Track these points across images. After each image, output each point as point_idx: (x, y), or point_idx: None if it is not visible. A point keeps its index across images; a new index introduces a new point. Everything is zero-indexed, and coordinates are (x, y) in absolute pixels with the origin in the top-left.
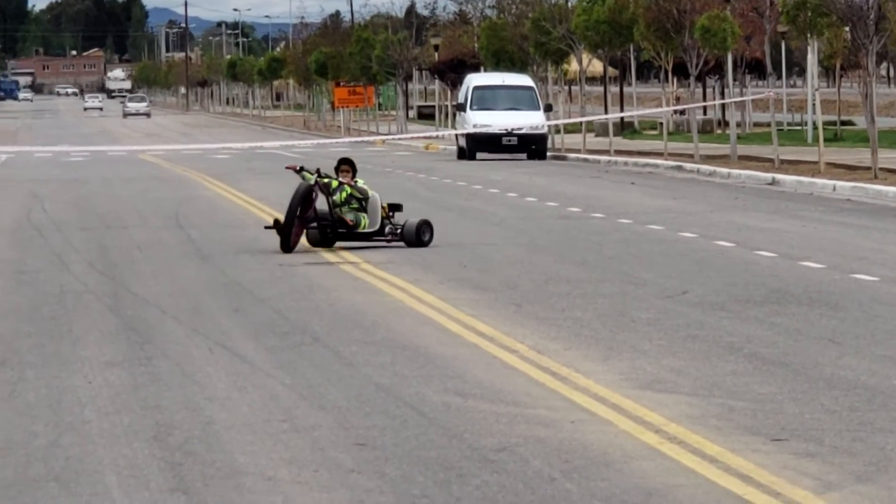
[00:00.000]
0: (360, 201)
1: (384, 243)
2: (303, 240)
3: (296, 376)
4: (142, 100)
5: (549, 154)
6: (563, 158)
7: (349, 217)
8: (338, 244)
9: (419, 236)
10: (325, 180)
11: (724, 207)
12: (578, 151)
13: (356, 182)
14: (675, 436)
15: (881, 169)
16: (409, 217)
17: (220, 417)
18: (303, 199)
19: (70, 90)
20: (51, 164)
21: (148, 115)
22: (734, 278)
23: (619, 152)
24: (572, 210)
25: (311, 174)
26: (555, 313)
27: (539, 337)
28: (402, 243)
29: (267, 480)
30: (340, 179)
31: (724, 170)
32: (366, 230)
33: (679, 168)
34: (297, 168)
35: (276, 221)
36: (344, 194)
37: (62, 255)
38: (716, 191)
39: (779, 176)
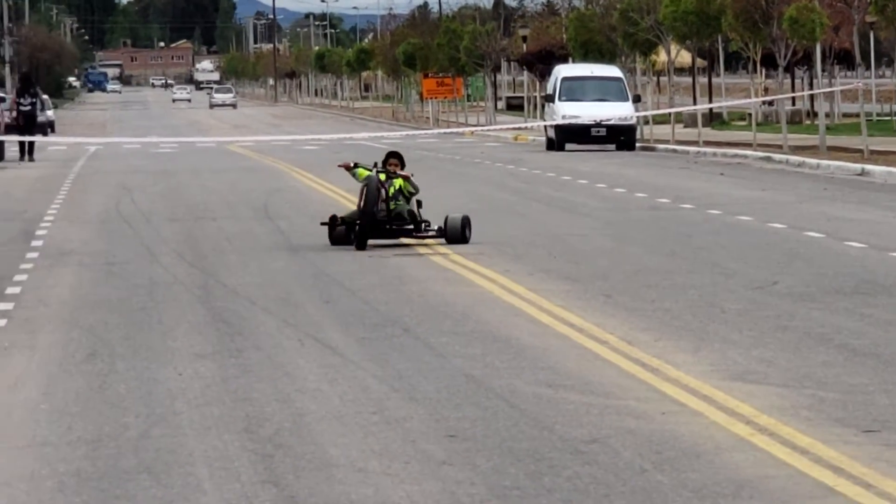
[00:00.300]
0: (407, 197)
1: (418, 240)
2: (322, 239)
3: (386, 368)
4: (228, 91)
5: (637, 145)
6: (652, 149)
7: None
8: (370, 241)
9: (463, 232)
10: (382, 175)
11: (813, 198)
12: (667, 142)
13: (411, 176)
14: (765, 427)
15: None
16: (448, 212)
17: (311, 409)
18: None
19: (161, 81)
20: (139, 155)
21: (234, 105)
22: (824, 269)
23: (707, 143)
24: (661, 201)
25: (369, 169)
26: (645, 304)
27: (629, 328)
28: (441, 240)
29: (358, 472)
30: (397, 171)
31: (813, 160)
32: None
33: (768, 159)
34: (351, 165)
35: (333, 218)
36: (392, 189)
37: (151, 246)
38: (805, 181)
39: (868, 166)
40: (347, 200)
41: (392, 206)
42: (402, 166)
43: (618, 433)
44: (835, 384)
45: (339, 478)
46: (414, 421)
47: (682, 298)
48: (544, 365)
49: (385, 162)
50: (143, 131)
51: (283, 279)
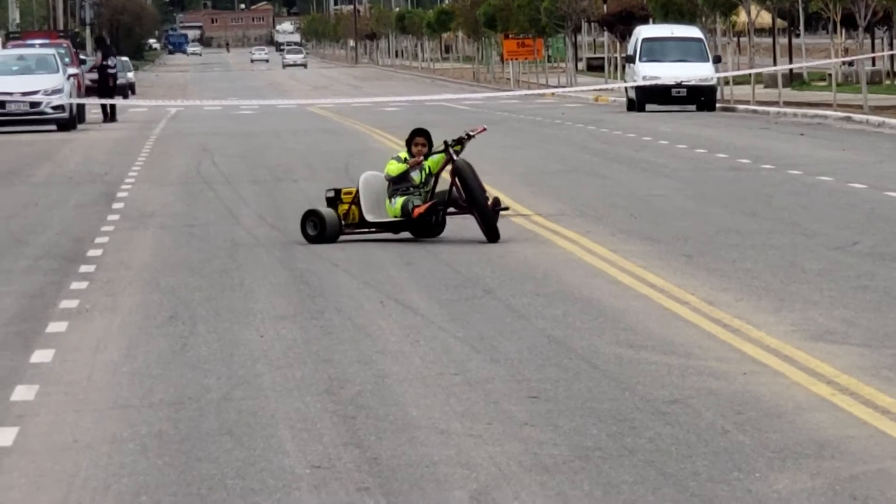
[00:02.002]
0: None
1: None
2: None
3: (468, 329)
4: (298, 52)
5: (718, 106)
6: (733, 110)
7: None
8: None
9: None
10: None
11: (894, 158)
12: (747, 103)
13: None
14: (847, 387)
15: None
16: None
17: (393, 371)
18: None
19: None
20: (220, 117)
21: (304, 65)
22: None
23: (787, 104)
24: (742, 161)
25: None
26: (725, 265)
27: (710, 288)
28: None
29: (440, 433)
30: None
31: (894, 121)
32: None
33: (848, 119)
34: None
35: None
36: (424, 174)
37: (232, 208)
38: (885, 142)
39: None
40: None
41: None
42: (430, 146)
43: (699, 394)
44: None
45: (421, 439)
46: (496, 382)
47: (763, 259)
48: (625, 326)
49: (409, 142)
50: (224, 93)
51: (364, 241)
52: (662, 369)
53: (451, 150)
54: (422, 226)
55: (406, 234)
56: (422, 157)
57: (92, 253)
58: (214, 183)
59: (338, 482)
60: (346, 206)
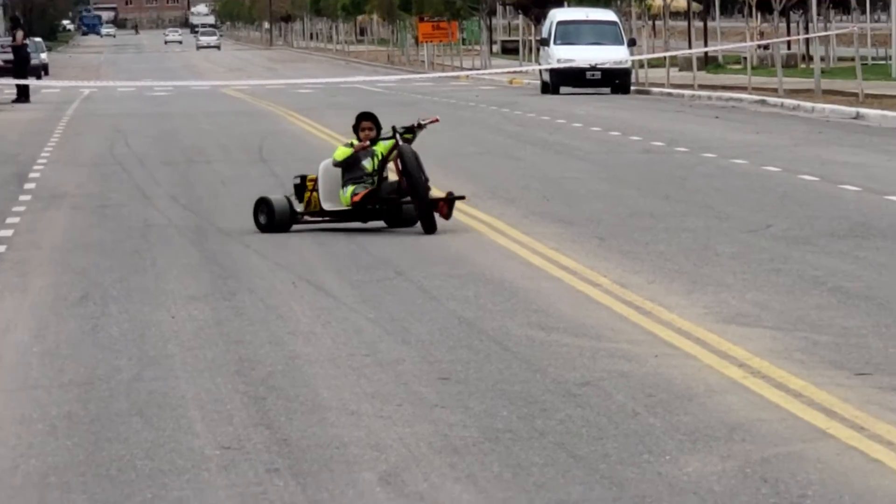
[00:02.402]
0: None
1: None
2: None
3: (379, 310)
4: (212, 34)
5: (632, 88)
6: (647, 93)
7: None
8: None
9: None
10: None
11: (808, 141)
12: (662, 86)
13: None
14: (758, 370)
15: None
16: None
17: (304, 352)
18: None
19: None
20: (134, 98)
21: (218, 47)
22: (818, 212)
23: (702, 86)
24: (656, 144)
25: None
26: (638, 247)
27: (622, 271)
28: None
29: (350, 415)
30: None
31: (808, 104)
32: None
33: (763, 102)
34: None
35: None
36: (376, 161)
37: (145, 189)
38: (800, 125)
39: (863, 110)
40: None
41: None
42: (378, 129)
43: (610, 376)
44: (828, 327)
45: (332, 420)
46: (406, 364)
47: (676, 241)
48: (537, 307)
49: (357, 127)
50: (138, 75)
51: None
52: (574, 351)
53: (397, 136)
54: (362, 214)
55: (374, 224)
56: (367, 142)
57: (3, 233)
58: (127, 164)
59: (247, 463)
60: (308, 194)
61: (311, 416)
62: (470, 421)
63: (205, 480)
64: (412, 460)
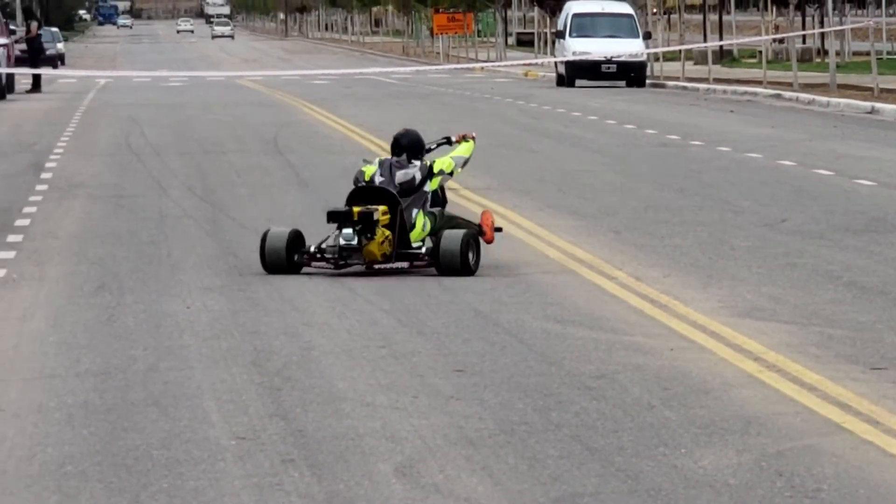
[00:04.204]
0: None
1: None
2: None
3: (395, 302)
4: (226, 24)
5: (648, 82)
6: (662, 86)
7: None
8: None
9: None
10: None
11: (823, 136)
12: (677, 79)
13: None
14: (774, 364)
15: None
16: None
17: (319, 343)
18: None
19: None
20: (149, 88)
21: (232, 37)
22: (833, 206)
23: (717, 80)
24: (671, 138)
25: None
26: (654, 241)
27: (638, 264)
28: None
29: (365, 406)
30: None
31: (823, 98)
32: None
33: (778, 96)
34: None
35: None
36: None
37: (161, 179)
38: (815, 119)
39: (878, 105)
40: (358, 136)
41: None
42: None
43: (626, 369)
44: (843, 322)
45: (347, 411)
46: (422, 355)
47: (691, 235)
48: (552, 300)
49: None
50: (153, 65)
51: (293, 212)
52: (589, 344)
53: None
54: None
55: None
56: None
57: (19, 223)
58: (143, 154)
59: (263, 454)
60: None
61: (327, 408)
62: (485, 413)
63: (220, 470)
64: (428, 452)
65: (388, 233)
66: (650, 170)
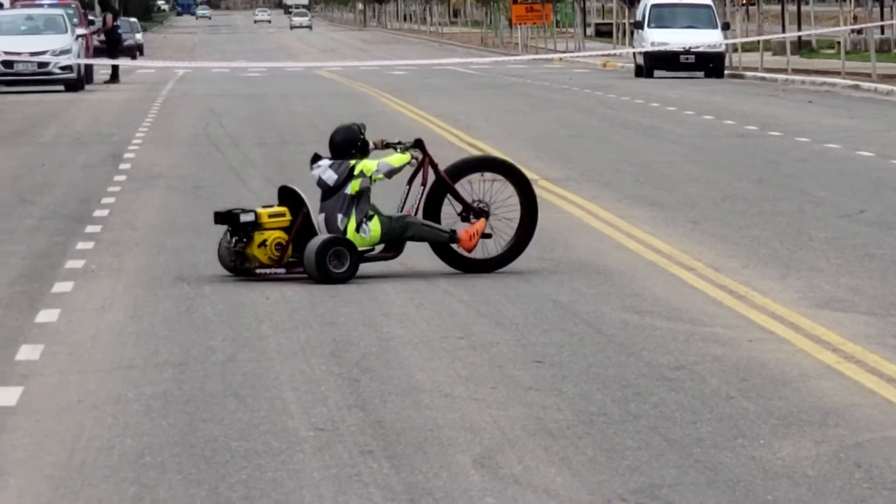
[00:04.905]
0: None
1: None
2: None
3: (473, 293)
4: (304, 14)
5: (726, 72)
6: (741, 77)
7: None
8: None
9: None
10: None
11: None
12: (756, 70)
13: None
14: (852, 355)
15: None
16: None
17: (398, 334)
18: None
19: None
20: (227, 79)
21: (310, 27)
22: None
23: (796, 71)
24: (750, 128)
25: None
26: (732, 231)
27: (716, 255)
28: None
29: (444, 397)
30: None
31: None
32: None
33: (856, 87)
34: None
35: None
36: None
37: (239, 170)
38: (893, 110)
39: None
40: (436, 125)
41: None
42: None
43: (704, 360)
44: None
45: (426, 402)
46: (500, 346)
47: (770, 226)
48: (631, 291)
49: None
50: (232, 55)
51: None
52: (668, 335)
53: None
54: None
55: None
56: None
57: (98, 213)
58: (221, 145)
59: (341, 445)
60: None
61: (405, 399)
62: (564, 404)
63: (299, 462)
64: (506, 443)
65: (276, 234)
66: (728, 160)
